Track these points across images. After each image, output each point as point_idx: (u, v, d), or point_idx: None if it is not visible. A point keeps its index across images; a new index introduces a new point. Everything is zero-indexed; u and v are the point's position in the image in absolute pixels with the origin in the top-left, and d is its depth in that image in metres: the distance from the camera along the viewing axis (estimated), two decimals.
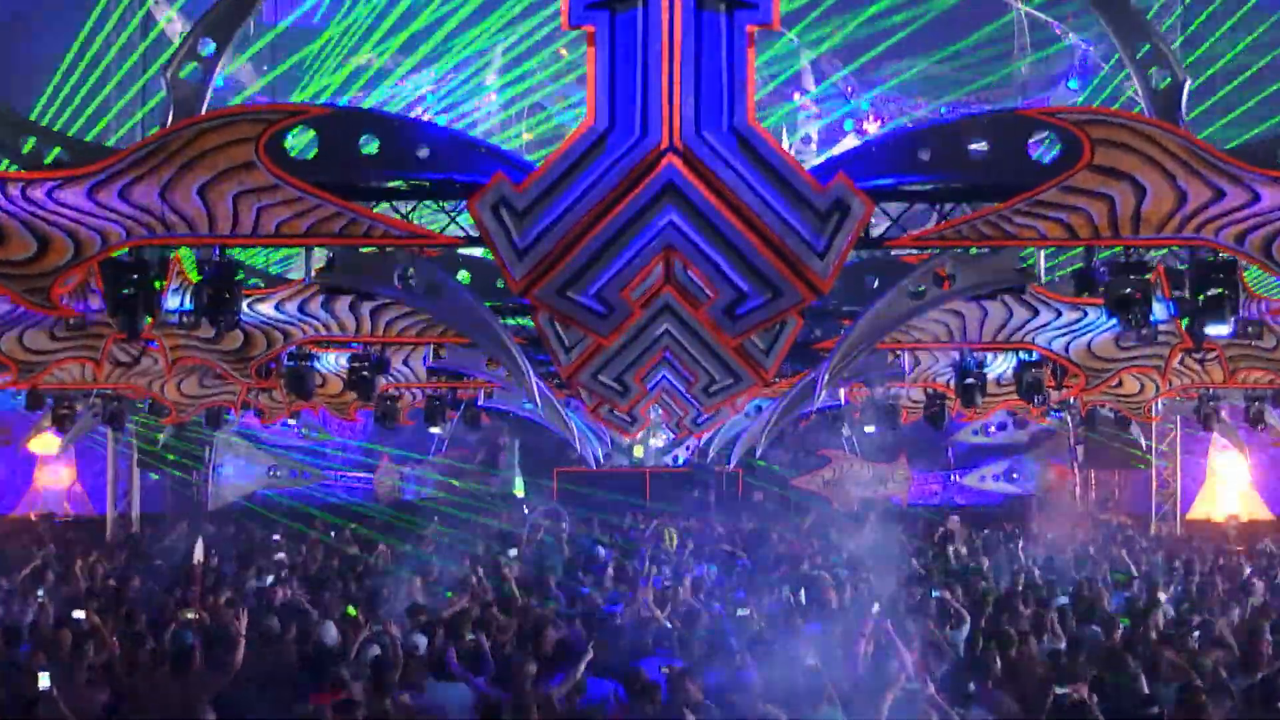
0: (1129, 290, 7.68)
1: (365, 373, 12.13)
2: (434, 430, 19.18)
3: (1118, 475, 25.45)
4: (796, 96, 23.60)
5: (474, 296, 9.32)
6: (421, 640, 9.52)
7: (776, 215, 6.92)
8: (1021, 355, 11.50)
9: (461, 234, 7.73)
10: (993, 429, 25.97)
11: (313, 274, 9.46)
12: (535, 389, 10.33)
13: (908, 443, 26.52)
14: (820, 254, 6.94)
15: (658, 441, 27.30)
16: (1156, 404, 16.21)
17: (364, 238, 7.37)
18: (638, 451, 27.59)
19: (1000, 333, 10.16)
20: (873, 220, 7.48)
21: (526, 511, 25.51)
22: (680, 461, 27.81)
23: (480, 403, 17.68)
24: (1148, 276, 7.97)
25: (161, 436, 23.56)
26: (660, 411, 16.68)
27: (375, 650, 8.94)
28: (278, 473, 27.19)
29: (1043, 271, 9.62)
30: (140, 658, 8.70)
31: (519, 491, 27.87)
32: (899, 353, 12.26)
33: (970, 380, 11.59)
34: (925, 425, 19.03)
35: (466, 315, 9.34)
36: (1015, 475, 27.24)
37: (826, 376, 9.95)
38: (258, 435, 26.19)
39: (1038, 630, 9.91)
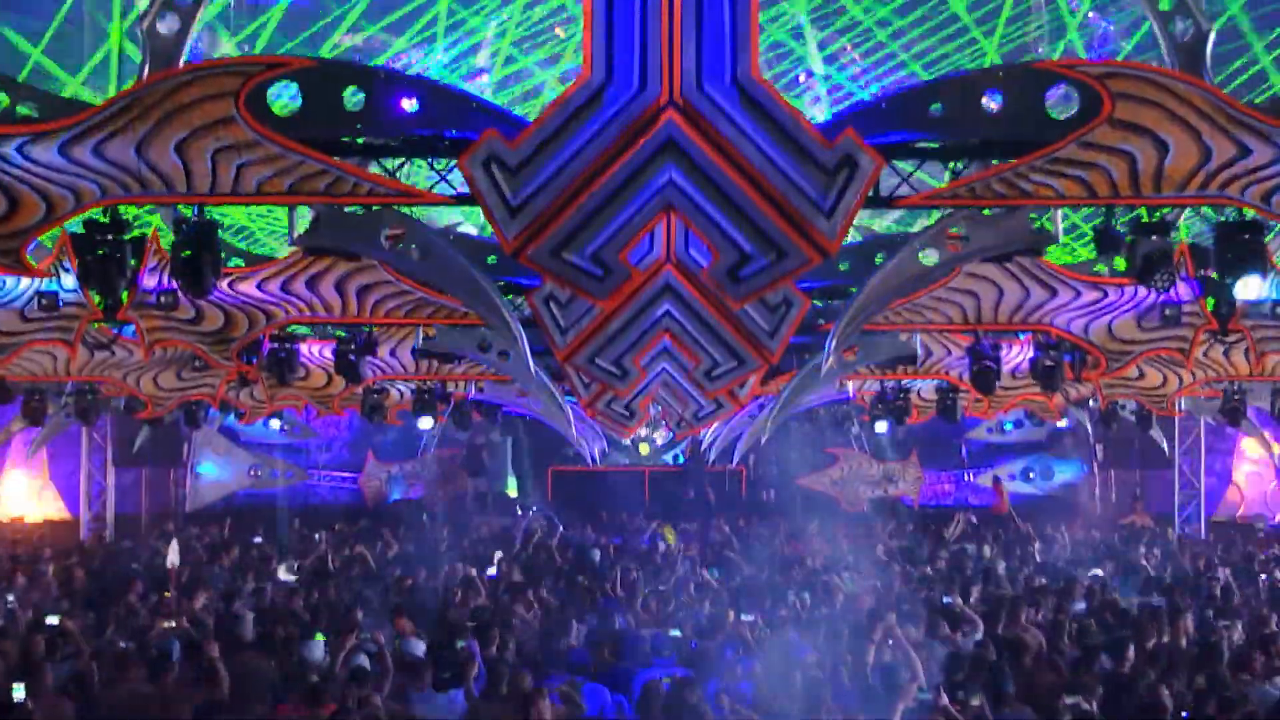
0: (1153, 251, 7.66)
1: (351, 356, 12.10)
2: (424, 426, 19.10)
3: (1139, 475, 25.35)
4: (802, 79, 23.62)
5: (465, 257, 9.29)
6: (419, 646, 9.53)
7: (781, 172, 6.91)
8: (1039, 338, 11.47)
9: (451, 193, 7.70)
10: (1008, 426, 25.97)
11: (294, 236, 9.41)
12: (529, 357, 10.28)
13: (919, 440, 26.65)
14: (827, 213, 6.92)
15: (658, 436, 27.16)
16: (1179, 400, 16.20)
17: (349, 196, 7.37)
18: (643, 449, 27.45)
19: (1016, 314, 10.12)
20: (882, 178, 7.47)
21: (519, 513, 25.57)
22: (680, 460, 27.75)
23: (473, 396, 17.56)
24: (1173, 236, 7.94)
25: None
26: (659, 409, 16.78)
27: (361, 659, 8.91)
28: (259, 472, 27.07)
29: (1059, 233, 9.57)
30: (115, 666, 8.65)
31: (512, 491, 27.87)
32: (912, 334, 12.23)
33: (987, 364, 11.53)
34: (938, 423, 19.10)
35: (457, 277, 9.32)
36: (1032, 475, 27.16)
37: (834, 343, 9.91)
38: (238, 433, 26.08)
39: (1053, 637, 9.86)
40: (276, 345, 12.25)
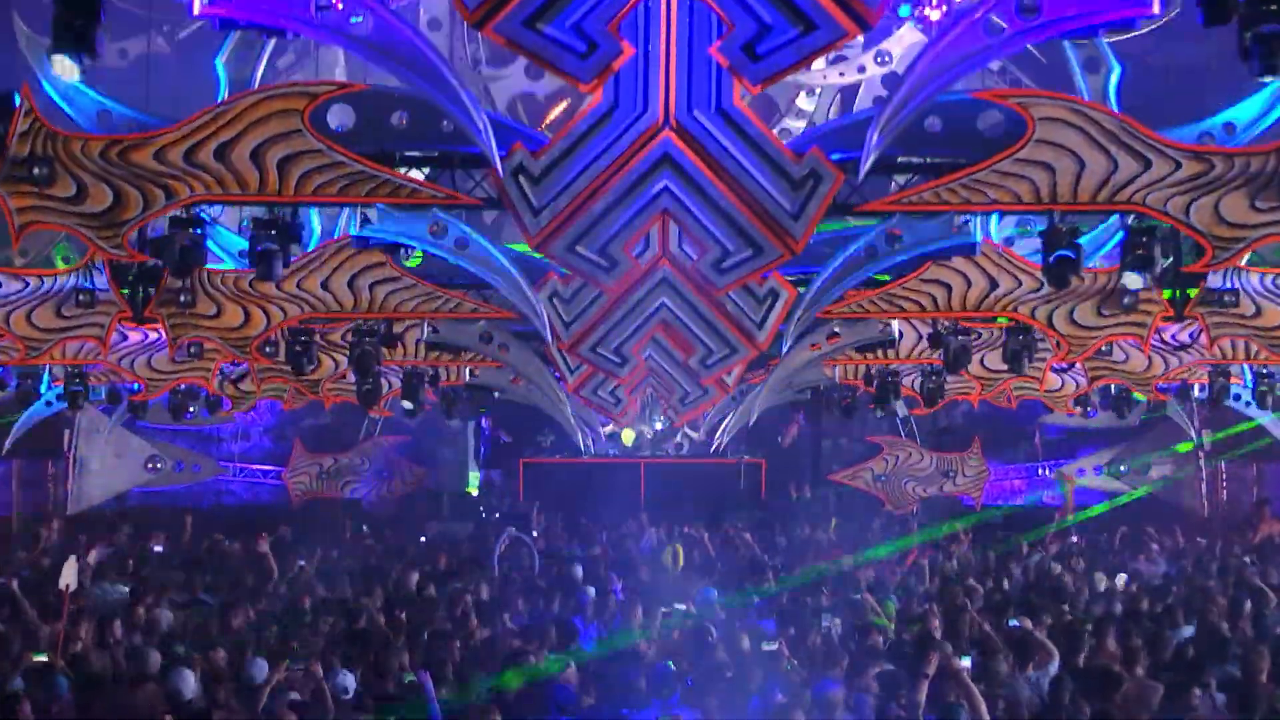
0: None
1: (369, 345, 14.77)
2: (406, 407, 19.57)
3: (1256, 469, 24.19)
4: None
5: (497, 246, 12.17)
6: (349, 679, 9.57)
7: (758, 183, 9.86)
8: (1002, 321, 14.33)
9: (484, 195, 10.66)
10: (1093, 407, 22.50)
11: (357, 227, 12.24)
12: (548, 333, 12.82)
13: (983, 426, 25.69)
14: (795, 216, 9.88)
15: (658, 421, 26.24)
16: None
17: (392, 197, 10.29)
18: (626, 437, 26.34)
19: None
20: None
21: (482, 511, 24.99)
22: (684, 450, 26.78)
23: (469, 379, 19.95)
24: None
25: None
26: (651, 391, 19.34)
27: (294, 696, 9.01)
28: (159, 465, 25.82)
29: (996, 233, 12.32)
30: None
31: (473, 489, 27.34)
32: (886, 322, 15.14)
33: (954, 348, 14.37)
34: (1006, 406, 19.29)
35: (488, 261, 12.14)
36: (1122, 469, 25.87)
37: (801, 313, 12.77)
38: (133, 417, 23.27)
39: (1152, 670, 9.73)
40: (291, 338, 14.91)
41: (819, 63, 22.56)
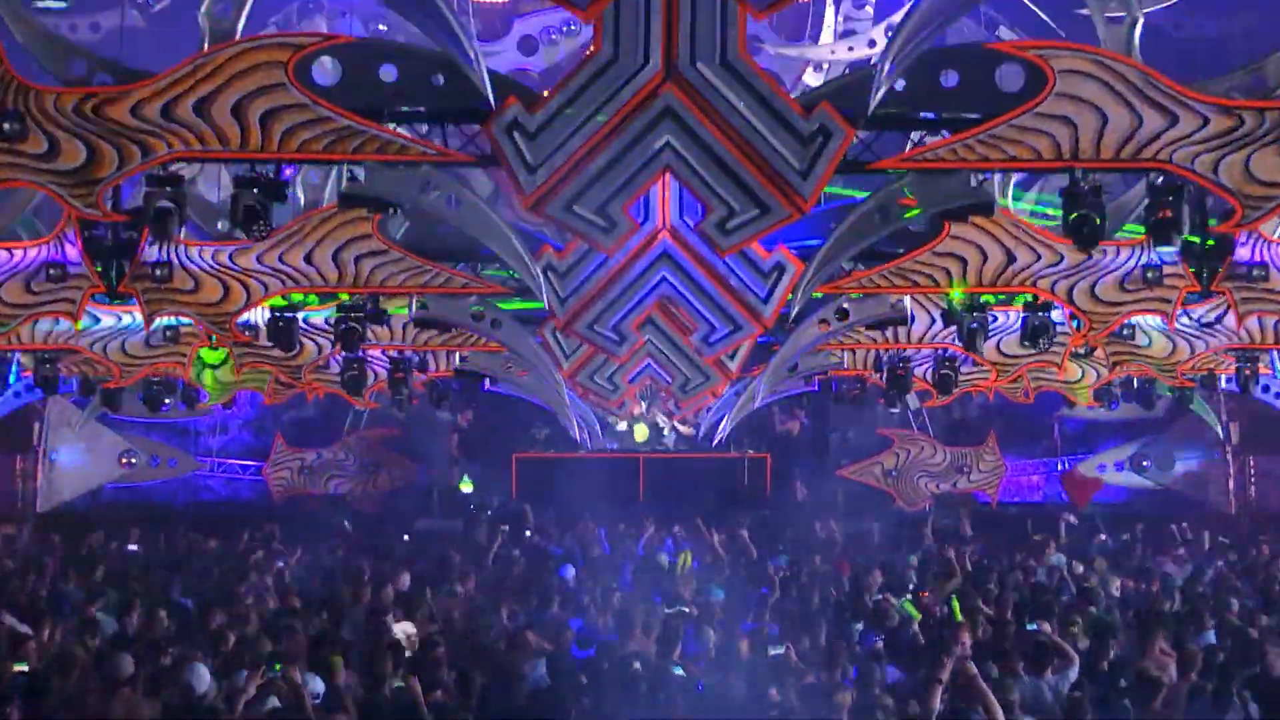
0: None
1: (354, 322, 14.66)
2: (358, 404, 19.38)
3: None
4: None
5: (493, 211, 12.05)
6: (318, 684, 9.65)
7: (764, 138, 9.75)
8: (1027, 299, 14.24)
9: (476, 153, 10.54)
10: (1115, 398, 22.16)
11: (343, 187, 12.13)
12: (545, 296, 12.67)
13: (999, 419, 25.55)
14: (803, 174, 9.76)
15: (658, 414, 26.27)
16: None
17: (379, 154, 10.17)
18: (639, 433, 26.38)
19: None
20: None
21: (471, 507, 24.76)
22: (685, 445, 26.68)
23: (459, 364, 19.82)
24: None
25: None
26: (650, 382, 19.24)
27: (273, 703, 9.05)
28: (133, 460, 25.51)
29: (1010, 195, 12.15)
30: None
31: (466, 486, 27.12)
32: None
33: (969, 324, 14.20)
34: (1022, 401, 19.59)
35: (486, 227, 12.02)
36: (1146, 463, 25.66)
37: (801, 292, 12.69)
38: (106, 410, 22.60)
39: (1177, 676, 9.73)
40: (277, 313, 14.81)
41: (827, 36, 22.68)
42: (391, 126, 10.14)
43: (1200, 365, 18.25)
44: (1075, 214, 10.18)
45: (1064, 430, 26.34)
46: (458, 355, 19.50)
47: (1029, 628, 11.20)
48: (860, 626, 12.13)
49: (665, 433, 26.58)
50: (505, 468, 26.36)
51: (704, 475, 25.90)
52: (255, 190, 10.28)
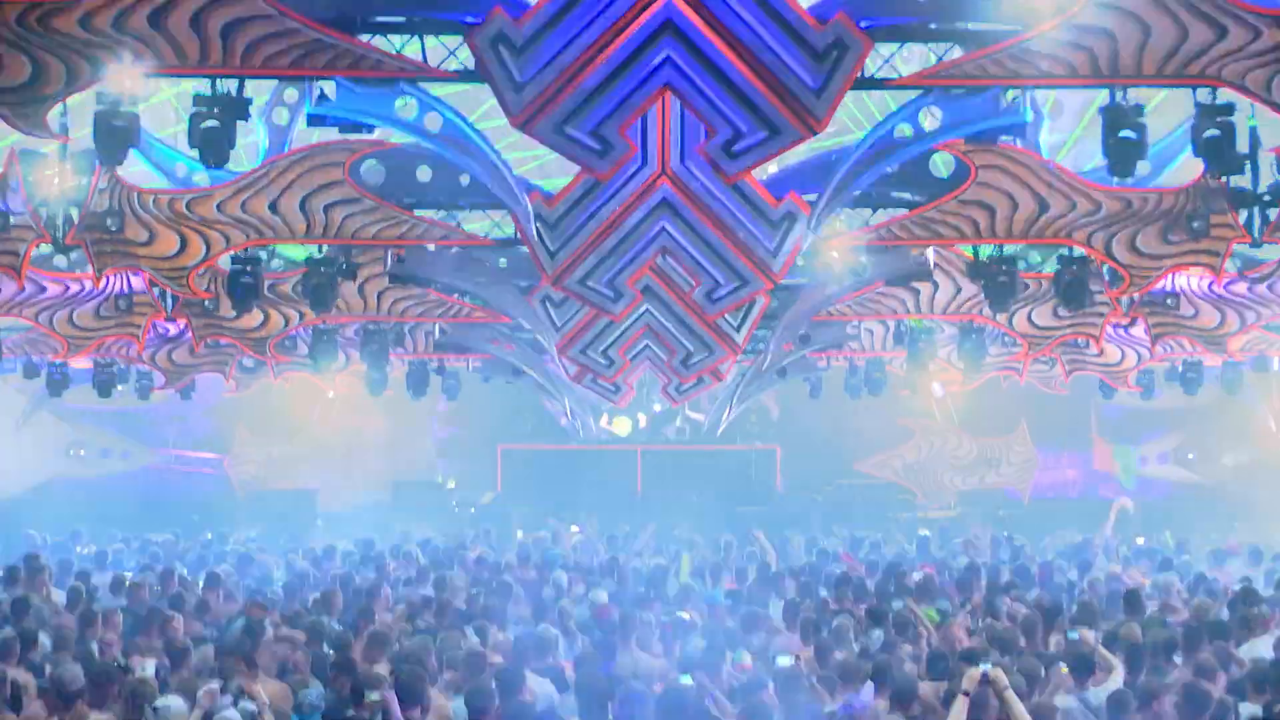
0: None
1: (324, 277, 14.31)
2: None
3: None
4: None
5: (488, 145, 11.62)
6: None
7: (774, 53, 9.45)
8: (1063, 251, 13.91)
9: (459, 68, 10.24)
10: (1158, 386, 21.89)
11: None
12: (528, 216, 12.25)
13: (1031, 407, 24.72)
14: (817, 92, 9.47)
15: (655, 403, 25.04)
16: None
17: (351, 69, 9.87)
18: (620, 427, 25.62)
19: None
20: None
21: (455, 504, 24.58)
22: (686, 436, 25.99)
23: (439, 335, 19.44)
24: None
25: None
26: (649, 364, 18.86)
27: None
28: (81, 452, 25.38)
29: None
30: None
31: (451, 482, 26.69)
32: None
33: (1001, 279, 13.88)
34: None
35: (478, 159, 11.68)
36: (1191, 455, 25.44)
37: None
38: (52, 395, 21.30)
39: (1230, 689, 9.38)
40: (239, 266, 14.45)
41: None
42: (365, 39, 9.81)
43: (1252, 343, 17.92)
44: (1116, 135, 9.82)
45: (1103, 418, 25.57)
46: (437, 328, 19.23)
47: (1070, 636, 10.85)
48: (879, 634, 11.75)
49: (677, 421, 25.81)
50: (489, 459, 25.85)
51: (708, 469, 25.18)
52: (215, 110, 9.95)
